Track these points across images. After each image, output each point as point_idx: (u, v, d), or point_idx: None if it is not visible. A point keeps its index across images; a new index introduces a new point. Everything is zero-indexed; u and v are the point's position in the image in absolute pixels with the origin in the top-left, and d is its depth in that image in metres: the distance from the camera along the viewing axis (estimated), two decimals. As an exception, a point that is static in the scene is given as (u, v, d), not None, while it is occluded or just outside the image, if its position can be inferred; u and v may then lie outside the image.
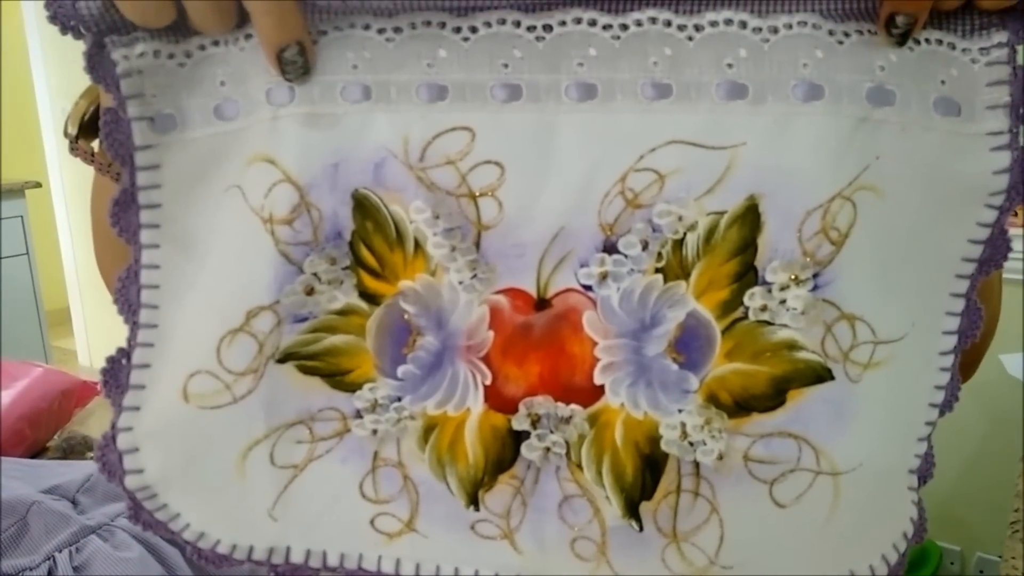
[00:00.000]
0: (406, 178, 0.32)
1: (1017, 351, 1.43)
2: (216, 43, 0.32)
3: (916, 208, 0.32)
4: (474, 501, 0.35)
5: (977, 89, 0.32)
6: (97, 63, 0.32)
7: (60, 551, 0.66)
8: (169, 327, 0.34)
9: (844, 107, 0.31)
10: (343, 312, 0.34)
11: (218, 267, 0.34)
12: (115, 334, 0.35)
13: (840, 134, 0.31)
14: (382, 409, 0.35)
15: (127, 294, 0.34)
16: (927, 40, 0.31)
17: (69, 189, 3.16)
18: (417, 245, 0.33)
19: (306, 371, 0.35)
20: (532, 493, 0.35)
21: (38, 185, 3.00)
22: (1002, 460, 1.59)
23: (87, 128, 0.43)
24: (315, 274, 0.33)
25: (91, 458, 0.97)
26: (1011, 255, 0.33)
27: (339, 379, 0.35)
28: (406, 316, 0.34)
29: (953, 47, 0.31)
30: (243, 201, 0.33)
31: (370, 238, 0.33)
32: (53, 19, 0.30)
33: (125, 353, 0.35)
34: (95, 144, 0.43)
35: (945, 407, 0.35)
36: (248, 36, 0.31)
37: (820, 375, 0.33)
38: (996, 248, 0.33)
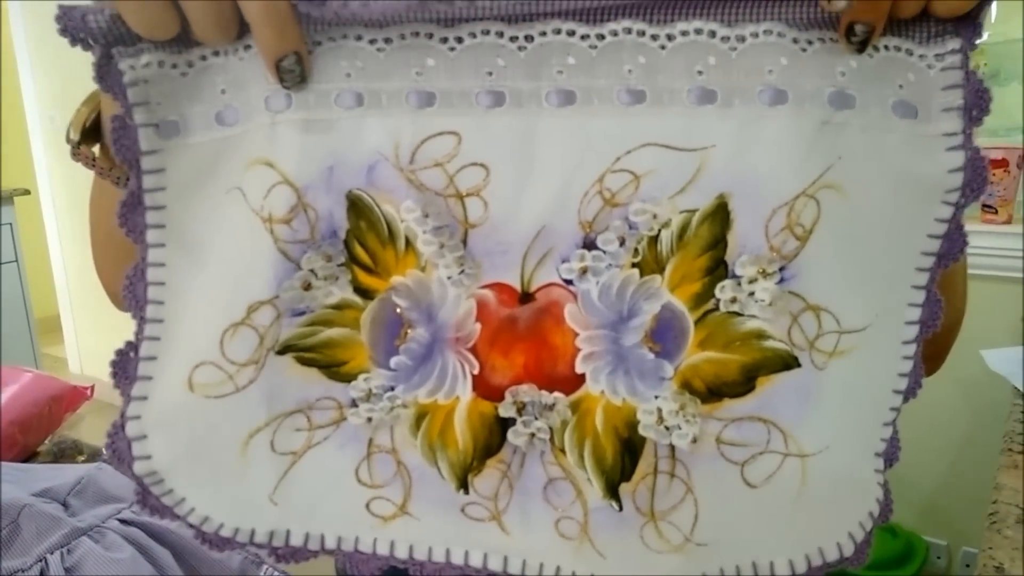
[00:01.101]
0: (397, 179, 0.34)
1: (1000, 346, 1.43)
2: (217, 53, 0.34)
3: (877, 205, 0.34)
4: (464, 485, 0.37)
5: (933, 93, 0.33)
6: (106, 73, 0.33)
7: (52, 553, 0.66)
8: (174, 321, 0.36)
9: (807, 111, 0.32)
10: (338, 306, 0.36)
11: (220, 264, 0.35)
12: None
13: (804, 136, 0.33)
14: (376, 398, 0.37)
15: (135, 291, 0.36)
16: (886, 47, 0.33)
17: (58, 196, 3.14)
18: (408, 242, 0.35)
19: (304, 362, 0.36)
20: (518, 476, 0.37)
21: (27, 192, 2.98)
22: (987, 456, 1.59)
23: (88, 134, 0.44)
24: (312, 270, 0.35)
25: (82, 462, 0.97)
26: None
27: (335, 370, 0.37)
28: (398, 310, 0.36)
29: (910, 53, 0.33)
30: (244, 202, 0.35)
31: (364, 236, 0.35)
32: (64, 32, 0.32)
33: (133, 346, 0.36)
34: (96, 149, 0.45)
35: (909, 393, 0.36)
36: (247, 46, 0.33)
37: (787, 363, 0.35)
38: (953, 242, 0.35)
